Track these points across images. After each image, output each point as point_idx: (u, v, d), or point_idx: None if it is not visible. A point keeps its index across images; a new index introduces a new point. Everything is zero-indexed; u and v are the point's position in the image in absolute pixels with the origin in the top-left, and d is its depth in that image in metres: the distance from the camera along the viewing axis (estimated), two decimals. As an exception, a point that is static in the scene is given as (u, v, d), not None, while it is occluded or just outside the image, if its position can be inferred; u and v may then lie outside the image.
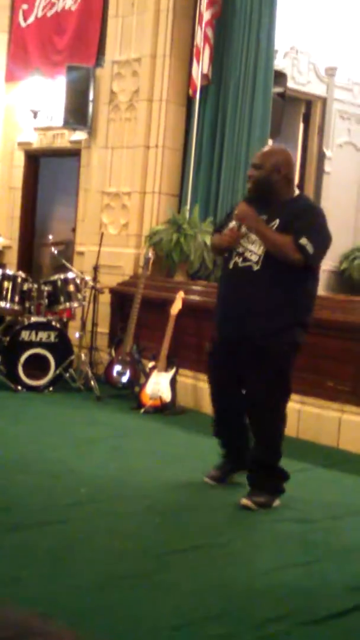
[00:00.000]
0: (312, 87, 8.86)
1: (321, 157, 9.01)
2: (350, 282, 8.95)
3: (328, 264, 9.06)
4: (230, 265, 4.21)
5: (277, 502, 4.20)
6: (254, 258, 4.11)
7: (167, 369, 6.41)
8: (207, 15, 7.33)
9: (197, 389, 6.52)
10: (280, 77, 7.96)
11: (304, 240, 4.02)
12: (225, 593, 3.13)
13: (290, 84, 8.42)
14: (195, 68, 7.42)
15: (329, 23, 8.63)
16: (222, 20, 7.40)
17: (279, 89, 7.93)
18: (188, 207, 7.38)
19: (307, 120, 9.10)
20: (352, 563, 3.53)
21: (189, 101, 7.57)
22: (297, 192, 4.33)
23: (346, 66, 9.00)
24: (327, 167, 9.05)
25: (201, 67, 7.37)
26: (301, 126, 9.09)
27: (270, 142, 8.02)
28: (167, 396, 6.33)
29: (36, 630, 1.32)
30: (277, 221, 4.09)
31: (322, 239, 4.16)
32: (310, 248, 4.03)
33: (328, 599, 3.12)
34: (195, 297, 6.72)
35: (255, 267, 4.10)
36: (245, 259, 4.14)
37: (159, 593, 3.08)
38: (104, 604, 2.94)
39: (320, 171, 9.06)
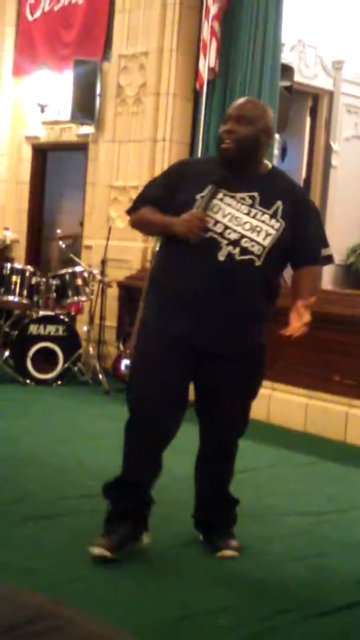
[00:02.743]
0: (319, 81, 8.86)
1: (328, 150, 9.01)
2: (357, 276, 8.96)
3: (335, 257, 9.08)
4: (221, 257, 3.16)
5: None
6: (257, 250, 3.19)
7: (174, 362, 6.41)
8: (213, 9, 7.32)
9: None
10: (287, 70, 7.95)
11: (328, 251, 3.43)
12: (232, 585, 3.16)
13: (297, 77, 8.41)
14: (202, 62, 7.41)
15: (336, 16, 8.62)
16: (228, 14, 7.38)
17: (285, 83, 7.92)
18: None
19: (314, 114, 9.09)
20: (359, 556, 3.56)
21: (196, 95, 7.57)
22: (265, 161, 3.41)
23: (353, 60, 8.99)
24: (334, 160, 9.05)
25: (208, 61, 7.36)
26: (308, 120, 9.09)
27: (277, 136, 8.03)
28: (174, 390, 6.34)
29: (48, 613, 1.34)
30: (279, 203, 3.24)
31: (325, 234, 3.49)
32: (331, 251, 3.48)
33: (335, 592, 3.16)
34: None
35: (257, 263, 3.19)
36: (244, 251, 3.18)
37: (166, 585, 3.12)
38: (112, 595, 2.99)
39: (327, 165, 9.06)
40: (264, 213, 3.21)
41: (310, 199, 3.57)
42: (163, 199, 3.33)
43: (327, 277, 8.97)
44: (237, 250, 3.16)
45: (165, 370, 3.29)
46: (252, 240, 3.17)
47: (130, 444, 3.49)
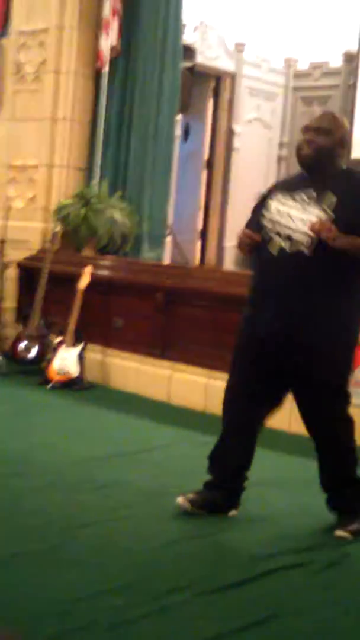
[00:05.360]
0: (221, 63, 8.87)
1: (230, 133, 9.05)
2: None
3: (235, 239, 9.13)
4: (275, 251, 3.49)
5: None
6: (305, 241, 3.44)
7: (74, 344, 6.37)
8: (115, -12, 7.26)
9: (105, 364, 6.51)
10: (188, 51, 7.97)
11: None
12: (127, 566, 3.14)
13: (199, 59, 8.43)
14: (104, 40, 7.33)
15: (238, -1, 8.66)
16: (130, -7, 7.34)
17: (188, 64, 7.93)
18: (96, 181, 7.32)
19: (216, 95, 9.12)
20: (254, 532, 3.58)
21: (98, 74, 7.48)
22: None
23: (255, 42, 9.04)
24: (237, 143, 9.10)
25: (110, 40, 7.29)
26: (210, 101, 9.11)
27: (179, 117, 8.04)
28: (74, 371, 6.29)
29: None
30: (335, 199, 3.45)
31: None
32: None
33: (229, 569, 3.17)
34: (103, 272, 6.68)
35: (307, 253, 3.43)
36: (294, 243, 3.45)
37: (61, 568, 3.07)
38: (5, 580, 2.92)
39: (229, 147, 9.10)
40: (316, 208, 3.46)
41: None
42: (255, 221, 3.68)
43: (228, 258, 9.04)
44: (287, 244, 3.46)
45: (243, 364, 3.69)
46: (301, 232, 3.44)
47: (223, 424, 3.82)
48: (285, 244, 3.46)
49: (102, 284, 6.55)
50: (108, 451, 4.64)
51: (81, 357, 6.35)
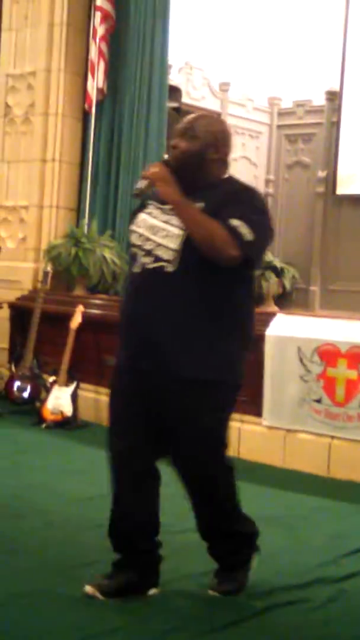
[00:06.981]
0: (206, 102, 9.00)
1: (217, 170, 9.15)
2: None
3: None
4: (137, 268, 3.08)
5: (254, 564, 3.36)
6: (167, 255, 3.00)
7: (67, 383, 6.40)
8: (101, 30, 7.39)
9: (99, 402, 6.53)
10: (174, 92, 8.08)
11: (235, 222, 2.92)
12: (126, 605, 3.14)
13: (185, 99, 8.54)
14: (90, 82, 7.46)
15: (222, 39, 8.81)
16: (115, 36, 7.47)
17: (174, 104, 8.05)
18: (86, 220, 7.41)
19: (202, 134, 9.23)
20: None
21: (85, 115, 7.60)
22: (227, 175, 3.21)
23: (239, 82, 9.19)
24: (222, 180, 9.18)
25: (96, 82, 7.42)
26: (197, 140, 9.21)
27: (165, 156, 8.12)
28: (68, 410, 6.32)
29: None
30: (202, 205, 3.01)
31: (263, 226, 3.02)
32: (247, 234, 2.92)
33: (226, 607, 3.17)
34: (94, 311, 6.74)
35: (170, 268, 2.98)
36: (156, 258, 3.02)
37: (61, 608, 3.08)
38: (6, 621, 2.93)
39: (215, 184, 9.18)
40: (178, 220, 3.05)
41: (244, 194, 3.11)
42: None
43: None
44: (149, 259, 3.04)
45: (116, 400, 3.26)
46: (163, 246, 3.01)
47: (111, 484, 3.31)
48: (146, 260, 3.04)
49: (94, 323, 6.60)
50: (104, 490, 4.64)
51: (74, 396, 6.39)
